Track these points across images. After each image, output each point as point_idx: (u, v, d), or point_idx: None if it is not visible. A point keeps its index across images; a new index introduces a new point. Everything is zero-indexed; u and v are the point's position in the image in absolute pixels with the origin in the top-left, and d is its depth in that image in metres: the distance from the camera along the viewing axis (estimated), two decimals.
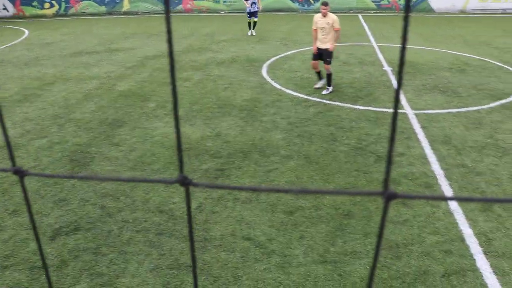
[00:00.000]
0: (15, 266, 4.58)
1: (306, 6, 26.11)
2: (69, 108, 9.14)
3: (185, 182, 0.78)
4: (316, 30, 9.51)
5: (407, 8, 0.64)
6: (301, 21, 21.52)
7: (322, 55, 9.51)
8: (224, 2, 26.61)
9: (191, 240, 0.84)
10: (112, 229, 5.12)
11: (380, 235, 0.77)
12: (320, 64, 9.73)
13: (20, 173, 0.86)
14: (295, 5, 26.22)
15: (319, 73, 9.95)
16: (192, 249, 0.85)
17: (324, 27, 9.31)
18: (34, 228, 0.91)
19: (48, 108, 9.16)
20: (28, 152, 7.09)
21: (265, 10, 25.27)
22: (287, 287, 4.20)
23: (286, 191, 0.75)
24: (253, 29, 17.58)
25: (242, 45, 15.60)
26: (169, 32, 0.69)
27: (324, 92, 9.74)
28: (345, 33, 17.87)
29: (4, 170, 0.84)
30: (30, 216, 0.91)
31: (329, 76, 9.67)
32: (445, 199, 0.73)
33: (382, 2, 25.33)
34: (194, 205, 5.52)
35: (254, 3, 16.81)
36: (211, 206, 5.49)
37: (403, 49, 0.65)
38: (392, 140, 0.70)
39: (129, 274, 4.42)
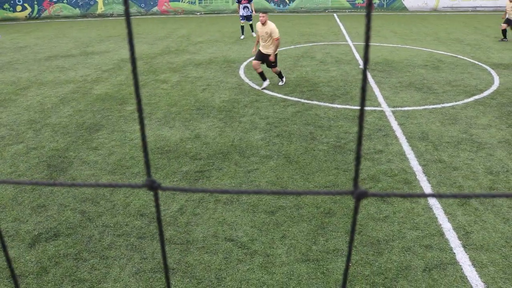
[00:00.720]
0: None
1: (281, 6, 26.24)
2: (45, 113, 8.99)
3: (153, 186, 0.77)
4: (258, 36, 9.93)
5: (369, 6, 0.66)
6: (277, 21, 21.55)
7: (265, 60, 9.87)
8: (200, 3, 26.53)
9: (162, 244, 0.84)
10: (93, 234, 5.06)
11: (351, 234, 0.78)
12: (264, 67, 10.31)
13: None
14: (271, 6, 26.31)
15: (261, 74, 10.09)
16: (163, 251, 0.85)
17: (263, 36, 9.69)
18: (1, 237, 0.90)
19: (23, 113, 9.00)
20: (3, 158, 6.95)
21: None
22: (270, 287, 4.21)
23: (256, 193, 0.75)
24: (252, 31, 17.35)
25: (219, 46, 15.58)
26: (129, 33, 0.69)
27: (280, 83, 10.35)
28: (321, 32, 18.04)
29: None
30: None
31: (279, 73, 10.24)
32: (415, 196, 0.74)
33: (356, 1, 25.61)
34: (175, 207, 5.50)
35: (247, 7, 16.60)
36: (192, 208, 5.47)
37: (366, 47, 0.66)
38: (359, 139, 0.71)
39: (111, 279, 4.37)
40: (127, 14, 0.68)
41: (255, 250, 4.72)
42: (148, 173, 0.78)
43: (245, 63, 12.74)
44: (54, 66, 13.17)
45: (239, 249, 4.74)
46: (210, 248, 4.76)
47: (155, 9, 26.52)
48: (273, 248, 4.74)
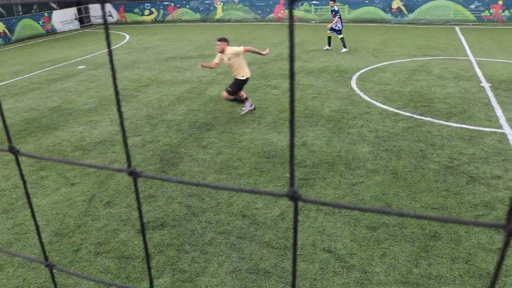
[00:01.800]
0: (106, 253, 4.87)
1: (399, 17, 25.42)
2: (162, 110, 9.58)
3: (295, 196, 0.80)
4: (217, 64, 9.05)
5: None
6: (393, 33, 20.97)
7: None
8: (315, 11, 26.62)
9: (294, 256, 0.84)
10: (196, 229, 5.28)
11: (496, 274, 0.71)
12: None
13: (135, 175, 0.90)
14: (388, 16, 25.60)
15: (241, 99, 9.22)
16: (294, 266, 0.85)
17: (226, 63, 8.90)
18: (142, 226, 0.96)
19: (142, 109, 9.67)
20: (123, 148, 7.52)
21: (356, 21, 24.98)
22: None
23: (389, 213, 0.72)
24: (344, 46, 16.53)
25: (332, 55, 15.48)
26: (291, 42, 0.69)
27: (242, 112, 9.27)
28: (440, 46, 17.17)
29: (119, 170, 0.89)
30: (140, 215, 0.95)
31: (232, 99, 9.16)
32: None
33: (483, 14, 24.02)
34: (276, 212, 5.55)
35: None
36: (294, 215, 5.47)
37: None
38: None
39: (209, 273, 4.52)
40: (290, 24, 0.69)
41: (352, 264, 4.60)
42: (292, 184, 0.81)
43: (357, 73, 12.53)
44: (173, 66, 13.99)
45: (336, 261, 4.66)
46: (307, 257, 4.73)
47: (271, 16, 27.09)
48: (371, 265, 4.59)
